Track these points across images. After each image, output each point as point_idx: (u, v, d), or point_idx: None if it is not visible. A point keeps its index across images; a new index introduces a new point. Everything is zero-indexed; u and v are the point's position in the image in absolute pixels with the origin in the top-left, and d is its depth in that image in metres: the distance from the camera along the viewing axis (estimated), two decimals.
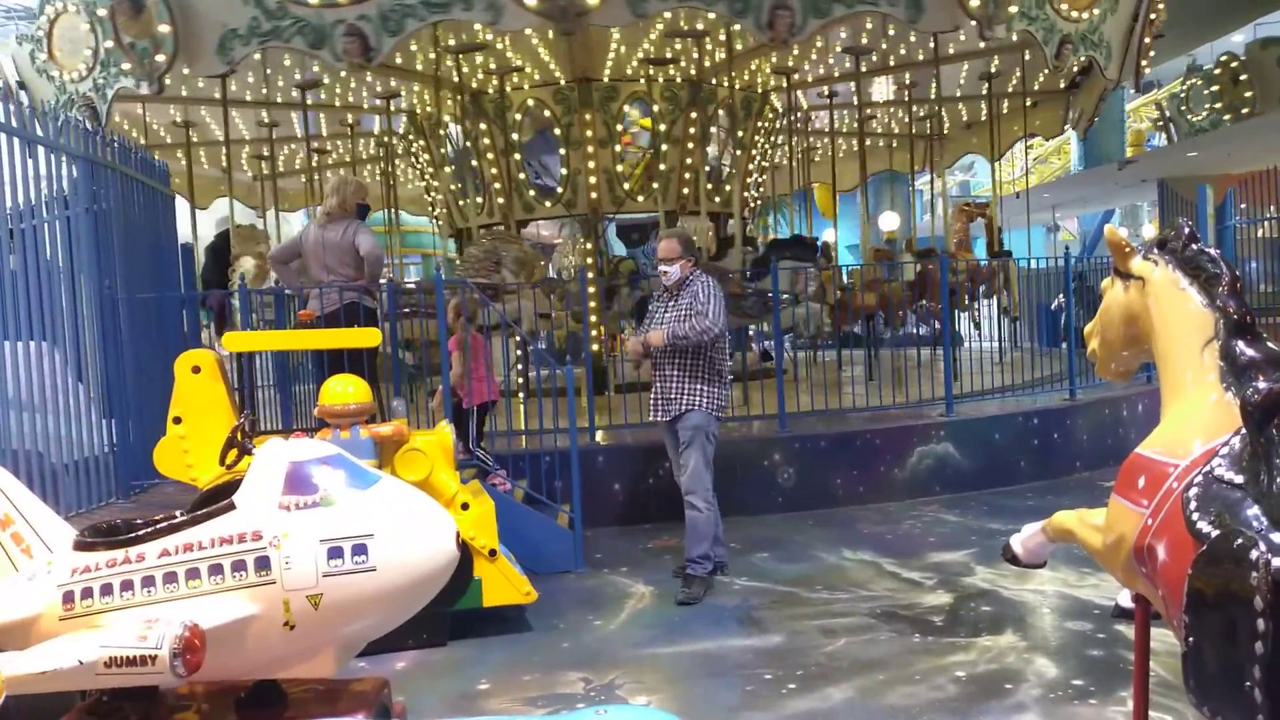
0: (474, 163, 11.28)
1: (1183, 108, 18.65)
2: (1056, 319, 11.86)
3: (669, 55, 10.26)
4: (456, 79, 10.51)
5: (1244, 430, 2.49)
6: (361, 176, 14.47)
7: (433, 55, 9.94)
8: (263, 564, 2.96)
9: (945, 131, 14.72)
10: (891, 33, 10.40)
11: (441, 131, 11.69)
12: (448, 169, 11.86)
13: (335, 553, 2.96)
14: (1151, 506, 2.66)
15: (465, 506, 4.90)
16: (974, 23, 7.84)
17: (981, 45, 9.56)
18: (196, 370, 4.82)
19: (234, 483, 3.27)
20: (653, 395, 5.63)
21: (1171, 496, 2.59)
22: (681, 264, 5.46)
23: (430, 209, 13.84)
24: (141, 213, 7.14)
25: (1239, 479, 2.41)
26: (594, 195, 10.79)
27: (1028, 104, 12.96)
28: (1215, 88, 17.56)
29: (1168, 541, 2.55)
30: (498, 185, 11.08)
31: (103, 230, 6.43)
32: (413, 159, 13.05)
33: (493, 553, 4.95)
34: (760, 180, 13.37)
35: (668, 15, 8.85)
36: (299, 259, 6.74)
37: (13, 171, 5.43)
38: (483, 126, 10.97)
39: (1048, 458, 8.30)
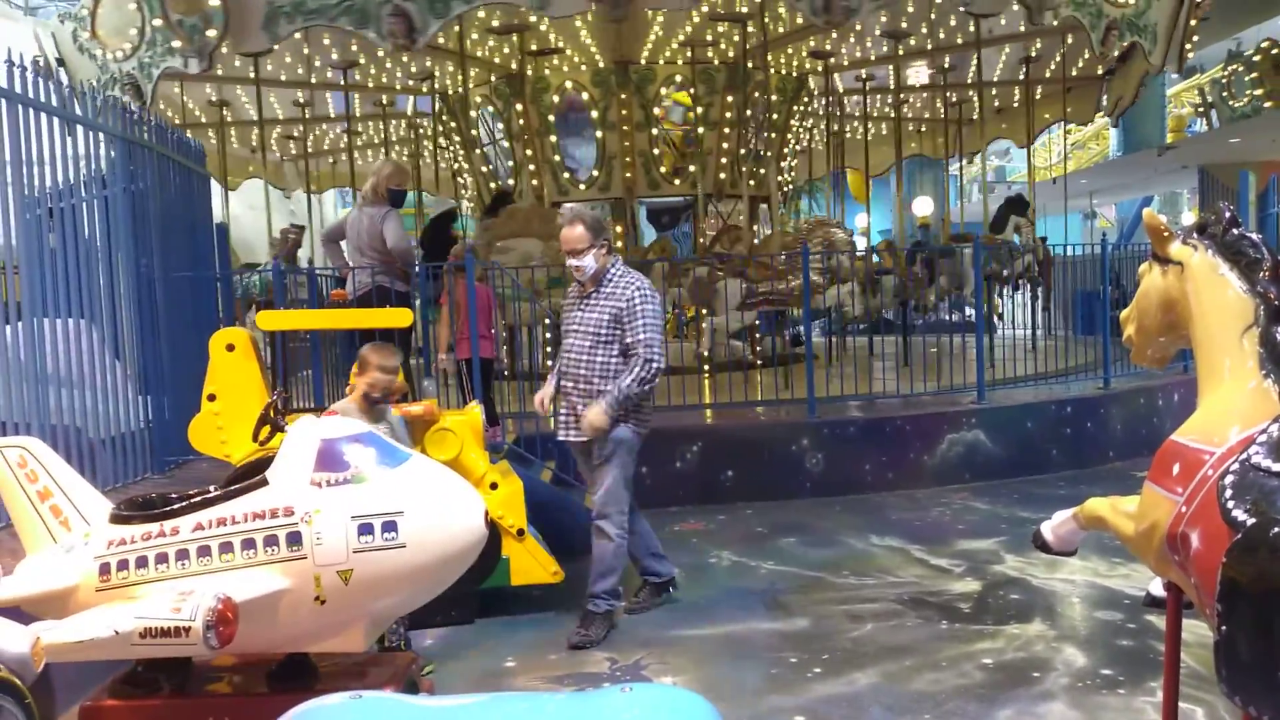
0: (506, 144, 11.30)
1: (1225, 93, 18.25)
2: (1092, 306, 11.68)
3: (709, 39, 10.17)
4: (495, 60, 10.51)
5: None
6: (393, 158, 14.53)
7: (475, 36, 9.93)
8: (294, 539, 3.01)
9: (976, 116, 14.53)
10: (933, 16, 10.27)
11: (473, 113, 11.71)
12: (479, 150, 11.89)
13: (366, 529, 2.99)
14: (1186, 494, 2.62)
15: (494, 486, 4.94)
16: (1023, 7, 7.75)
17: (1022, 29, 9.44)
18: (231, 348, 4.88)
19: (267, 459, 3.31)
20: (563, 409, 4.78)
21: (1207, 484, 2.55)
22: (595, 253, 4.56)
23: (460, 190, 13.90)
24: (178, 193, 7.22)
25: (1277, 467, 2.37)
26: (629, 177, 10.76)
27: (1066, 89, 12.75)
28: (1256, 74, 17.18)
29: (1202, 529, 2.52)
30: (531, 167, 11.07)
31: (140, 210, 6.51)
32: (444, 140, 13.09)
33: (521, 532, 4.99)
34: (793, 164, 13.30)
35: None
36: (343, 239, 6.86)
37: (52, 150, 5.51)
38: (518, 107, 10.95)
39: (1080, 447, 8.21)
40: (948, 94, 13.66)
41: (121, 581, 3.11)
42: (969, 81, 13.01)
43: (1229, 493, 2.43)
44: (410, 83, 12.06)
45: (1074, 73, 12.34)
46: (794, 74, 11.97)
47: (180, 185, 7.27)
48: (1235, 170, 19.12)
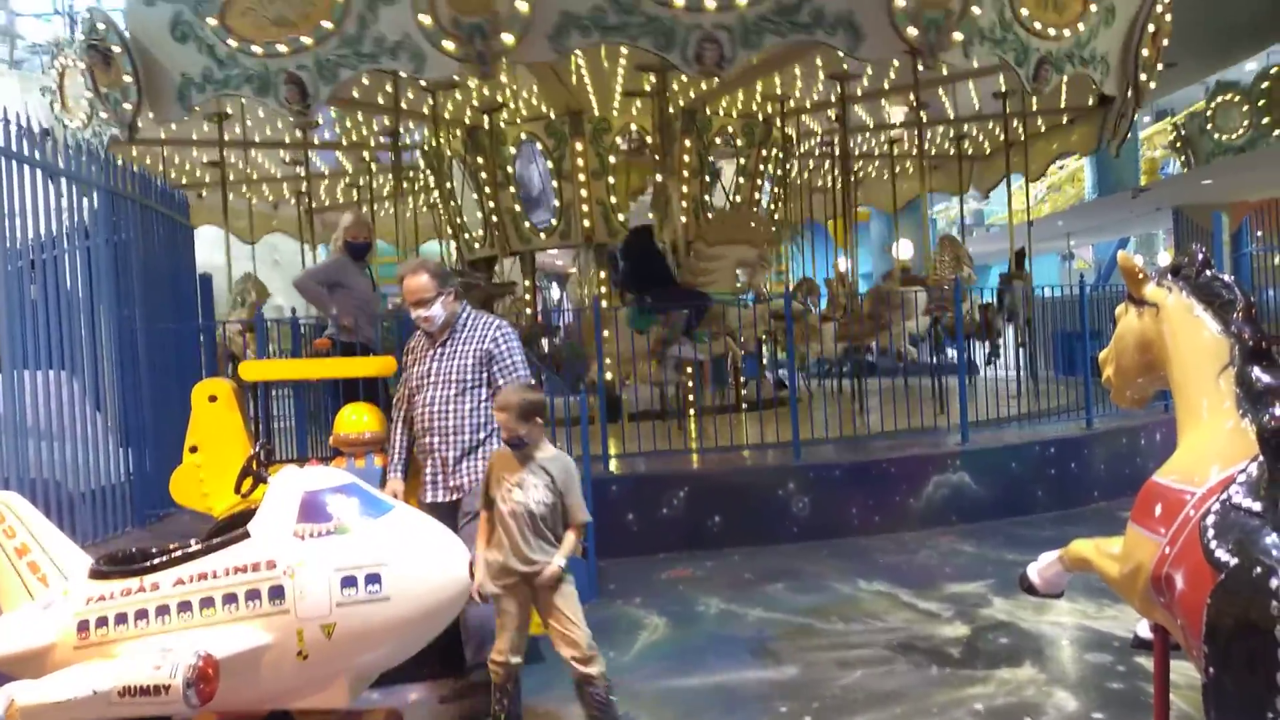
0: (474, 195, 11.47)
1: (1207, 127, 18.09)
2: (1072, 346, 11.79)
3: (649, 86, 10.12)
4: (448, 115, 10.68)
5: (1261, 457, 2.47)
6: (357, 211, 14.73)
7: (421, 94, 10.13)
8: (277, 593, 2.98)
9: (970, 152, 14.60)
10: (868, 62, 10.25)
11: (445, 166, 11.91)
12: (453, 202, 12.08)
13: (349, 582, 2.97)
14: (1169, 535, 2.64)
15: None
16: (912, 51, 7.53)
17: (975, 65, 9.29)
18: (213, 399, 4.86)
19: (249, 511, 3.29)
20: (429, 469, 4.37)
21: (1189, 524, 2.57)
22: (443, 300, 4.29)
23: (443, 240, 14.00)
24: (161, 243, 7.24)
25: (1257, 506, 2.39)
26: (587, 225, 10.88)
27: (1065, 120, 12.68)
28: (1260, 102, 16.72)
29: (1186, 570, 2.53)
30: (495, 218, 11.25)
31: (122, 260, 6.51)
32: (425, 192, 13.26)
33: None
34: (774, 207, 13.38)
35: (625, 49, 8.79)
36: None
37: (35, 202, 5.52)
38: (479, 160, 11.16)
39: (1065, 487, 8.22)
40: (945, 131, 13.72)
41: (100, 639, 3.06)
42: (954, 118, 13.10)
43: (1211, 533, 2.45)
44: (384, 139, 12.25)
45: (1061, 104, 12.29)
46: (759, 117, 11.97)
47: (164, 236, 7.30)
48: (1209, 211, 19.43)
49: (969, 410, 8.44)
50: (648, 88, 10.14)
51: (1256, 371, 2.70)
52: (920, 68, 8.24)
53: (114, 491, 6.17)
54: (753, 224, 9.80)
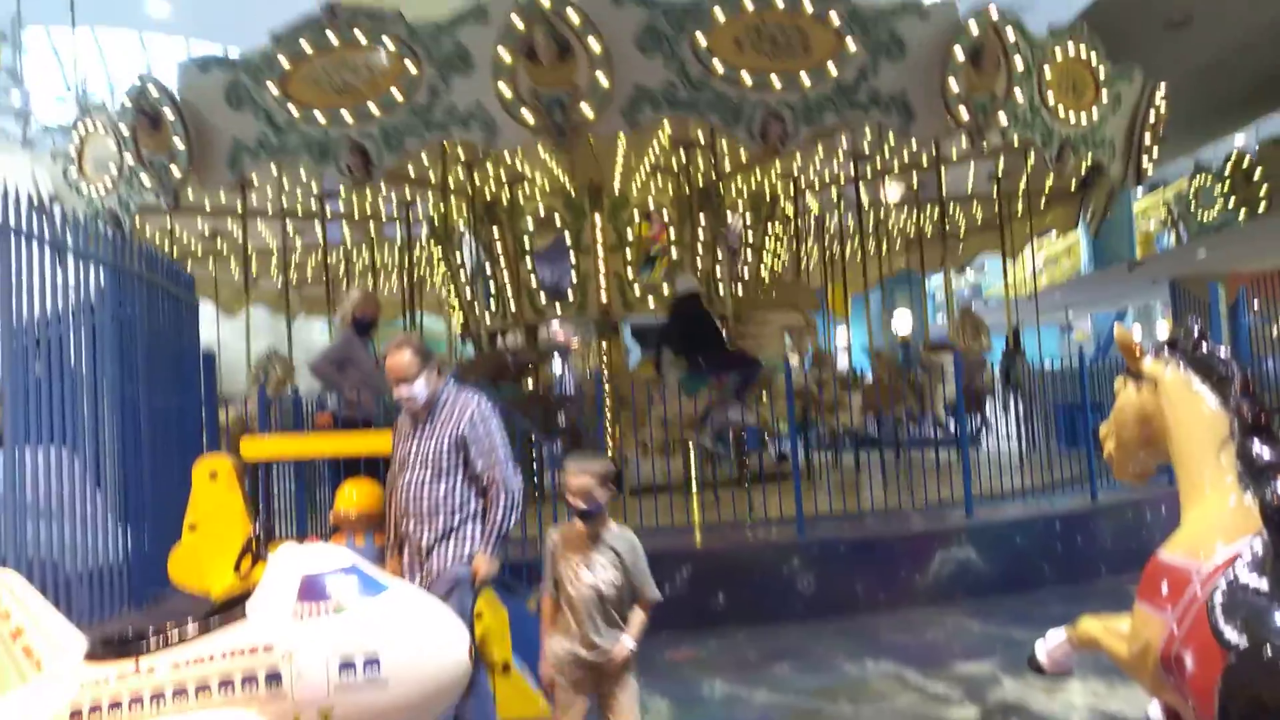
0: (487, 268, 11.54)
1: (1191, 206, 18.66)
2: (1074, 418, 11.78)
3: (675, 165, 10.48)
4: (469, 189, 10.81)
5: (1265, 533, 2.46)
6: (386, 283, 14.84)
7: (446, 167, 10.24)
8: (274, 678, 2.93)
9: (951, 231, 14.84)
10: (894, 138, 10.63)
11: (457, 238, 12.01)
12: (463, 274, 12.14)
13: (347, 665, 2.93)
14: (1176, 613, 2.61)
15: (478, 616, 4.83)
16: (962, 132, 7.89)
17: (981, 149, 9.68)
18: (213, 476, 4.84)
19: (247, 592, 3.25)
20: (405, 553, 4.25)
21: (1196, 603, 2.55)
22: (426, 377, 4.22)
23: (448, 313, 14.08)
24: (166, 320, 7.29)
25: (1264, 585, 2.38)
26: (604, 299, 10.95)
27: (1042, 203, 13.06)
28: (1225, 185, 17.57)
29: (1195, 650, 2.50)
30: (509, 291, 11.31)
31: (127, 337, 6.55)
32: (433, 265, 13.37)
33: (506, 666, 4.85)
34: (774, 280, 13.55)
35: (668, 125, 9.03)
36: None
37: (42, 279, 5.58)
38: (495, 233, 11.25)
39: (1072, 561, 8.13)
40: (927, 209, 14.01)
41: None
42: (937, 197, 13.41)
43: (1219, 612, 2.43)
44: (395, 211, 12.38)
45: (1049, 185, 12.65)
46: (766, 194, 12.25)
47: (169, 312, 7.35)
48: (1205, 283, 19.59)
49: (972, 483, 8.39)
50: (675, 165, 10.35)
51: (1256, 446, 2.71)
52: (966, 144, 8.60)
53: (111, 571, 6.11)
54: (798, 291, 9.99)
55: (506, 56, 7.09)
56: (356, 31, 7.30)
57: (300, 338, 15.42)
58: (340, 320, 7.26)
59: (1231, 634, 2.34)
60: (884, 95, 7.58)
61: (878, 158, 11.47)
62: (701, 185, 11.06)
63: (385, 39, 7.29)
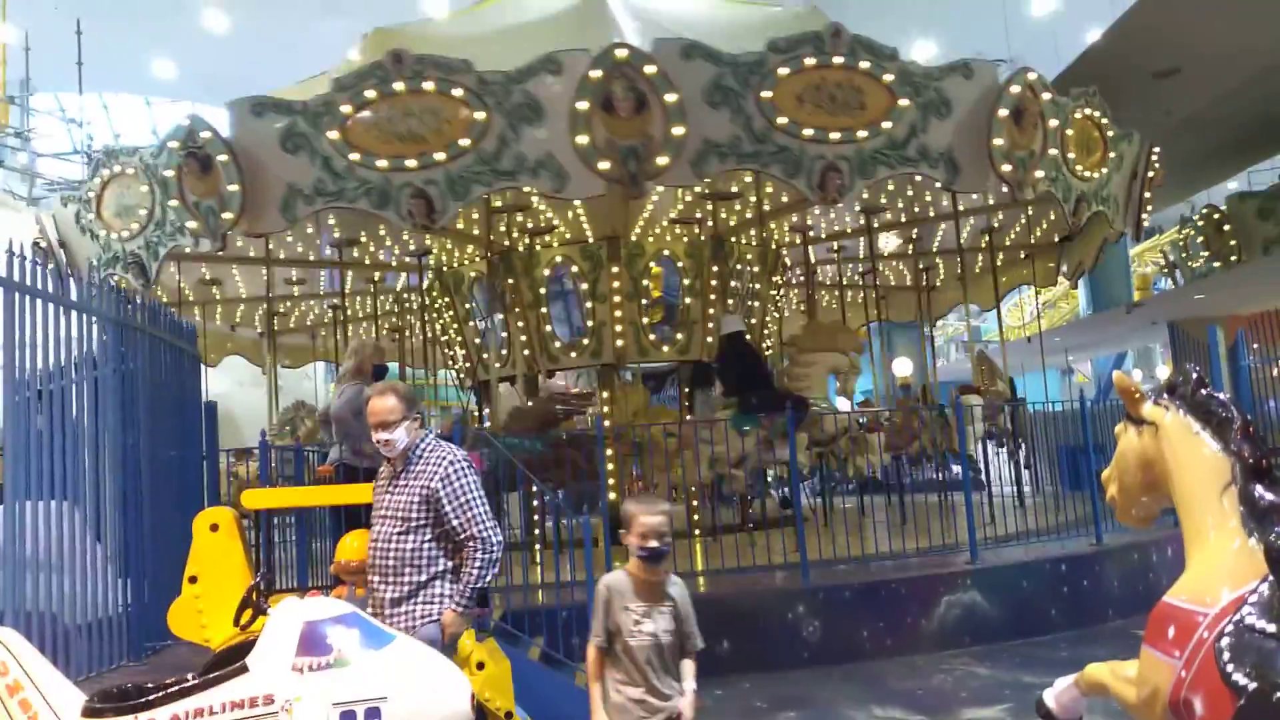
0: (499, 316, 11.60)
1: (1183, 254, 19.13)
2: (1077, 461, 11.75)
3: (698, 215, 10.68)
4: (489, 237, 10.93)
5: (1271, 577, 2.45)
6: (377, 332, 14.90)
7: (475, 215, 10.35)
8: None
9: (938, 283, 15.36)
10: (910, 192, 10.81)
11: (465, 288, 12.07)
12: (471, 323, 12.19)
13: (349, 717, 2.91)
14: (1184, 658, 2.60)
15: (480, 666, 4.79)
16: (1004, 186, 8.13)
17: (990, 202, 9.89)
18: (215, 528, 4.83)
19: (248, 644, 3.24)
20: (370, 609, 3.91)
21: (1204, 647, 2.53)
22: (407, 426, 4.07)
23: (450, 363, 14.11)
24: (168, 372, 7.31)
25: (1271, 628, 2.37)
26: (619, 344, 11.02)
27: (1022, 255, 13.53)
28: (1202, 237, 18.18)
29: (1204, 694, 2.48)
30: (523, 338, 11.36)
31: (129, 390, 6.57)
32: (436, 314, 13.39)
33: (509, 715, 4.80)
34: (773, 330, 13.63)
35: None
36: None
37: (45, 333, 5.61)
38: (510, 282, 11.34)
39: (1078, 605, 8.07)
40: (916, 262, 14.23)
41: None
42: (936, 249, 13.63)
43: (1227, 655, 2.41)
44: (408, 259, 12.44)
45: (1033, 239, 12.92)
46: (773, 245, 12.43)
47: (170, 365, 7.37)
48: (1204, 325, 19.70)
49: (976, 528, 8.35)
50: (698, 214, 10.55)
51: (1259, 490, 2.71)
52: (1010, 198, 8.78)
53: (111, 623, 6.06)
54: (841, 333, 10.36)
55: (584, 106, 7.23)
56: (424, 80, 7.37)
57: (288, 386, 15.47)
58: (355, 368, 7.14)
59: (1240, 677, 2.33)
60: (932, 150, 7.83)
61: (886, 211, 11.65)
62: (714, 235, 11.20)
63: (454, 88, 7.37)
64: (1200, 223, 18.24)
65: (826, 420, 10.01)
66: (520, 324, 11.38)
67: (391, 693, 2.95)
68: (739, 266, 11.80)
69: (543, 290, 11.34)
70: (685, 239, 11.30)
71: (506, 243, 11.24)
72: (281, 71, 9.87)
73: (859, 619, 7.45)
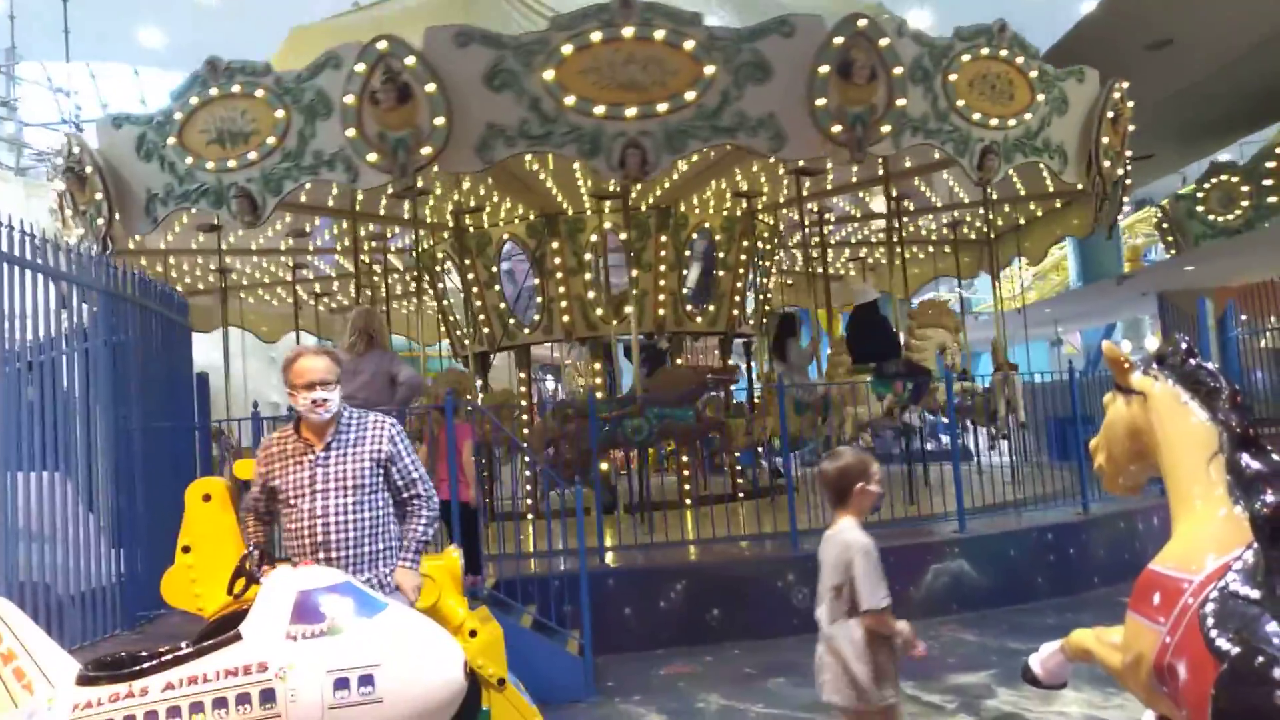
0: (463, 294, 11.74)
1: (1198, 209, 17.94)
2: (1065, 431, 11.82)
3: (613, 189, 10.28)
4: (431, 219, 11.01)
5: (1256, 544, 2.48)
6: (374, 302, 14.93)
7: (395, 199, 10.35)
8: (268, 696, 2.93)
9: (971, 238, 14.69)
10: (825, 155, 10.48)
11: (438, 268, 12.19)
12: (446, 301, 12.33)
13: (342, 684, 2.92)
14: (1169, 624, 2.63)
15: (473, 633, 4.83)
16: (840, 148, 7.68)
17: (936, 157, 9.23)
18: (207, 499, 4.84)
19: (241, 612, 3.25)
20: None
21: (1188, 613, 2.56)
22: (338, 390, 3.88)
23: (442, 337, 14.18)
24: (159, 344, 7.29)
25: (1255, 594, 2.40)
26: (567, 320, 11.06)
27: (1058, 205, 12.71)
28: (1266, 180, 16.49)
29: (1188, 660, 2.51)
30: (482, 316, 11.47)
31: (120, 362, 6.55)
32: (425, 292, 13.47)
33: (501, 681, 4.85)
34: (765, 298, 13.51)
35: None
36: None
37: (35, 304, 5.59)
38: (467, 261, 11.52)
39: (1065, 573, 8.16)
40: (936, 218, 13.90)
41: None
42: (924, 208, 13.26)
43: (1211, 622, 2.44)
44: (376, 244, 12.54)
45: (1051, 190, 12.29)
46: (738, 212, 12.15)
47: (161, 336, 7.36)
48: (1193, 296, 19.67)
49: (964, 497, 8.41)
50: (613, 189, 10.40)
51: (1246, 458, 2.73)
52: (850, 163, 8.51)
53: (104, 593, 6.09)
54: (944, 312, 10.80)
55: (352, 101, 7.29)
56: (234, 84, 7.65)
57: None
58: (368, 339, 7.00)
59: (1224, 643, 2.36)
60: (750, 117, 7.48)
61: (825, 174, 11.16)
62: (655, 205, 11.10)
63: (258, 89, 7.60)
64: (1266, 165, 16.56)
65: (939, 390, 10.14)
66: (479, 302, 11.57)
67: (385, 660, 2.97)
68: (694, 236, 11.71)
69: (495, 268, 11.50)
70: (723, 212, 11.32)
71: (454, 223, 11.34)
72: (272, 40, 9.82)
73: None
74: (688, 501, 10.25)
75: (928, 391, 9.87)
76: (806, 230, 12.82)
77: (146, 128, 8.08)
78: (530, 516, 9.92)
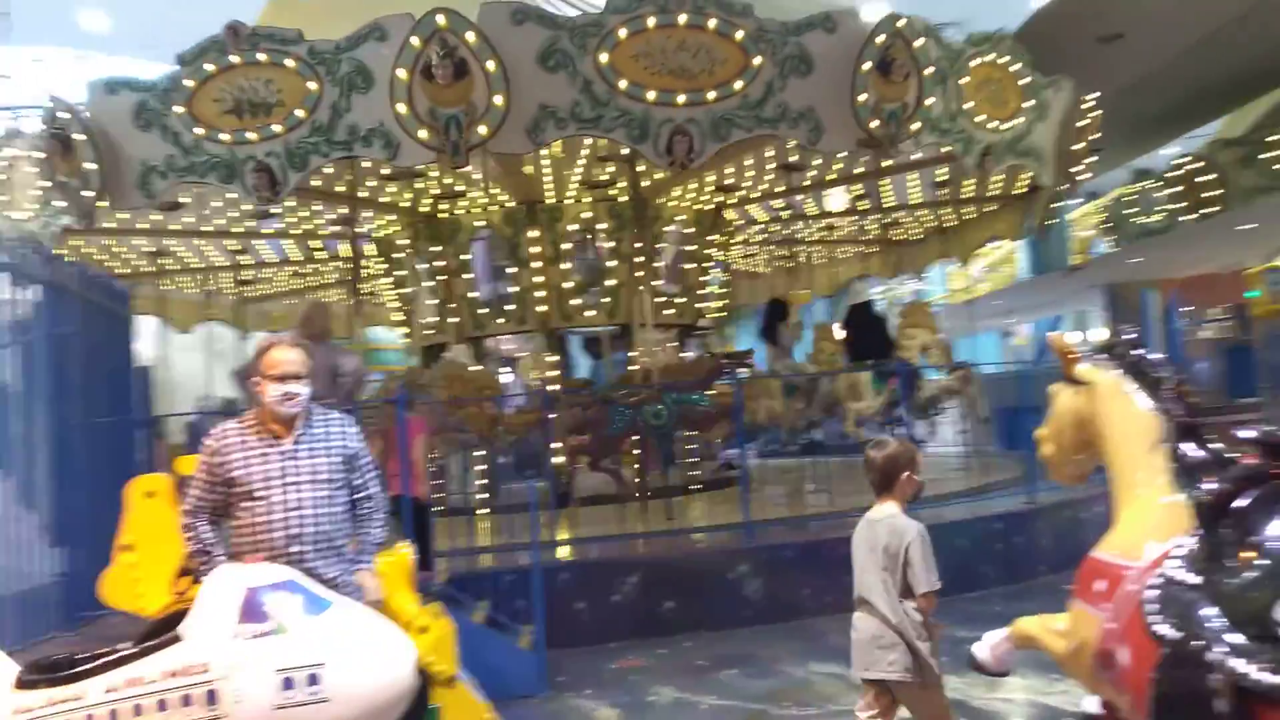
0: (428, 283, 11.46)
1: (1133, 209, 18.72)
2: (1013, 421, 12.01)
3: (604, 178, 10.42)
4: (406, 204, 10.74)
5: (1196, 531, 2.53)
6: (332, 297, 14.70)
7: (374, 183, 10.13)
8: (212, 697, 2.88)
9: (907, 237, 15.01)
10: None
11: (399, 254, 11.90)
12: (407, 289, 12.05)
13: (288, 683, 2.88)
14: (1111, 610, 2.67)
15: (424, 630, 4.77)
16: (875, 143, 7.87)
17: (914, 157, 9.66)
18: (150, 495, 4.73)
19: (185, 612, 3.18)
20: None
21: (1131, 600, 2.60)
22: (308, 383, 3.80)
23: (397, 328, 13.96)
24: (101, 337, 7.11)
25: (1195, 580, 2.44)
26: (543, 310, 10.94)
27: (992, 208, 13.10)
28: (1178, 188, 17.31)
29: (1129, 645, 2.56)
30: (451, 305, 11.25)
31: (61, 355, 6.38)
32: (381, 280, 13.24)
33: (452, 678, 4.80)
34: (723, 292, 13.57)
35: (588, 141, 8.92)
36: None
37: None
38: (435, 248, 11.21)
39: (1012, 562, 8.28)
40: (877, 217, 14.10)
41: None
42: (886, 206, 13.47)
43: (1152, 607, 2.48)
44: (334, 229, 12.21)
45: (995, 193, 12.70)
46: (708, 206, 12.24)
47: (104, 329, 7.18)
48: (1139, 288, 20.10)
49: None
50: (605, 177, 10.36)
51: (1187, 447, 2.78)
52: (881, 159, 8.69)
53: (43, 593, 5.93)
54: (924, 313, 11.27)
55: (404, 75, 7.08)
56: (259, 52, 7.29)
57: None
58: (314, 333, 6.85)
59: (1164, 628, 2.40)
60: (792, 109, 7.62)
61: (807, 170, 11.36)
62: (636, 197, 11.06)
63: (287, 59, 7.28)
64: (1172, 173, 17.43)
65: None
66: (446, 290, 11.34)
67: (332, 658, 2.92)
68: (668, 229, 11.69)
69: (466, 256, 11.25)
70: (605, 201, 11.02)
71: (425, 209, 11.08)
72: (216, 24, 9.53)
73: (800, 577, 7.57)
74: (639, 495, 10.25)
75: (917, 387, 10.31)
76: (766, 226, 12.95)
77: (148, 94, 7.58)
78: (483, 511, 9.86)
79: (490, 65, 7.00)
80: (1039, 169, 9.64)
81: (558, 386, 10.47)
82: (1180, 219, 17.05)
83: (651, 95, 7.32)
